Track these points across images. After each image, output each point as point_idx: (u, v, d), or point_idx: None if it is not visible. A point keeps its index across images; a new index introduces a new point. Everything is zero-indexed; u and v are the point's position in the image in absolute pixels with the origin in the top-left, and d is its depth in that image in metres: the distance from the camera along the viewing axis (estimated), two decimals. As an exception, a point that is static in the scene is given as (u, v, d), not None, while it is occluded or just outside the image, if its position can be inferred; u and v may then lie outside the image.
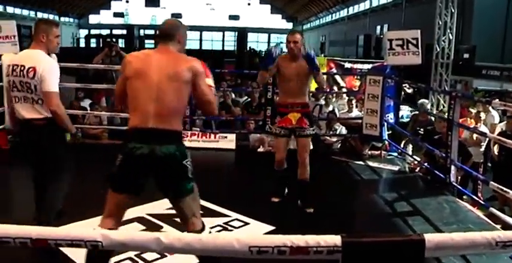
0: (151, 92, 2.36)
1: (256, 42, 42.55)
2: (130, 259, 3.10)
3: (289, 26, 46.12)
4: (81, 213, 3.65)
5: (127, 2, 43.56)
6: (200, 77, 2.43)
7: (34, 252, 3.08)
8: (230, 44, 41.09)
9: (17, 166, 5.62)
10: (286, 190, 4.44)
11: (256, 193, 4.67)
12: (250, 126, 6.83)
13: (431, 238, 1.37)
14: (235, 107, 8.09)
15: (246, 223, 3.83)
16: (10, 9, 33.47)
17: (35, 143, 3.22)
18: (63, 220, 3.35)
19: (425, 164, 5.53)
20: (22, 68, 3.11)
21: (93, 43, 29.79)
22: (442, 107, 10.26)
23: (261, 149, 6.37)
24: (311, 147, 4.32)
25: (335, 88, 10.87)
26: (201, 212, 3.90)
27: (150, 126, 2.34)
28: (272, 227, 3.70)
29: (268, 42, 46.09)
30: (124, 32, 30.19)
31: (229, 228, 3.76)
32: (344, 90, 10.71)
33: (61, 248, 2.91)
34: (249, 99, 8.57)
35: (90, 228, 2.98)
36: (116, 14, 43.82)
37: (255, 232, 3.68)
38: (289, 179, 4.34)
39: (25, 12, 36.41)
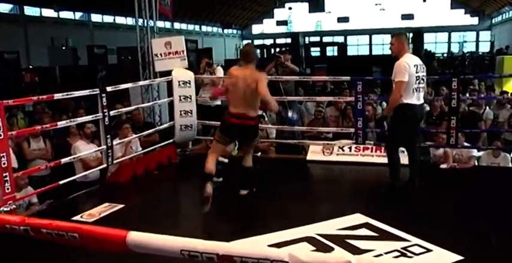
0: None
1: (434, 43, 40.68)
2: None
3: (474, 21, 43.23)
4: (263, 226, 4.05)
5: (290, 9, 45.00)
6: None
7: None
8: (404, 47, 39.78)
9: (184, 178, 6.20)
10: None
11: (439, 216, 4.46)
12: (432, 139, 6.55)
13: None
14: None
15: (428, 250, 3.67)
16: (177, 25, 36.88)
17: None
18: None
19: None
20: None
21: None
22: None
23: (444, 166, 6.05)
24: None
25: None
26: (376, 234, 3.89)
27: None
28: (460, 257, 3.49)
29: (449, 42, 43.73)
30: (288, 40, 31.15)
31: (408, 254, 3.63)
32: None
33: None
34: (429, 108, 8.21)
35: (264, 245, 3.15)
36: (279, 22, 45.47)
37: (440, 261, 3.51)
38: None
39: (190, 27, 39.82)
